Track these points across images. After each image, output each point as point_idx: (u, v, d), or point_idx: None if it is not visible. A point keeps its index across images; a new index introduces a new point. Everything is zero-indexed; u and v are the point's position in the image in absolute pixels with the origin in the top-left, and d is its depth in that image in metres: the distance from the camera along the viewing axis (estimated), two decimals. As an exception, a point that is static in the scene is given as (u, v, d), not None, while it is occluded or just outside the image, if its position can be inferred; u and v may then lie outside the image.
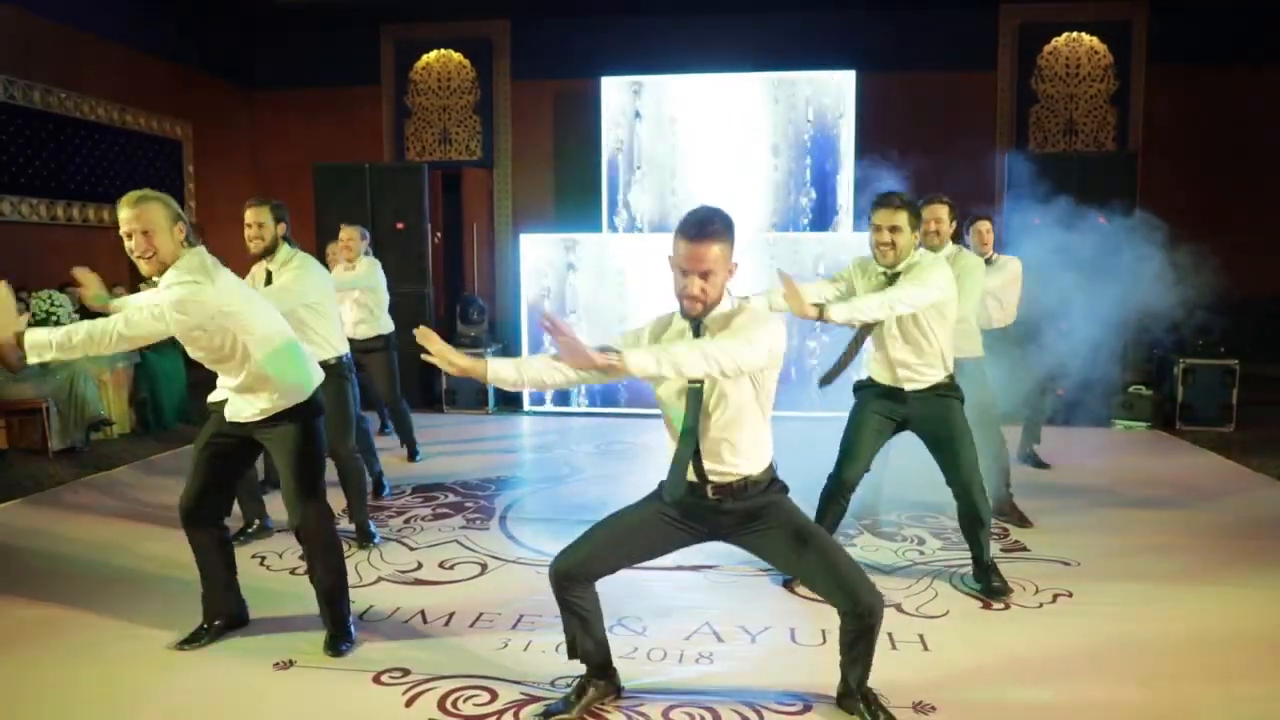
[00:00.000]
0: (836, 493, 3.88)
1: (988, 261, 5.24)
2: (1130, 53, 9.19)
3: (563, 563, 2.77)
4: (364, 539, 4.57)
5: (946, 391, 3.80)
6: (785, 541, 2.71)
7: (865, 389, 3.93)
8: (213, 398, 3.54)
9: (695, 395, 2.62)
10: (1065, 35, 9.30)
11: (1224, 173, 7.81)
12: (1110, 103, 9.27)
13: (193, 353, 3.24)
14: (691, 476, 2.68)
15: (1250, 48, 8.87)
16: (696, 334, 2.61)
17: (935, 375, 3.77)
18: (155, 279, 3.11)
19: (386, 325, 6.15)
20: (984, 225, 5.51)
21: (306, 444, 3.32)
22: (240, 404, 3.29)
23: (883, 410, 3.84)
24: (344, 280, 5.80)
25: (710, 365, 2.42)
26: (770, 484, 2.73)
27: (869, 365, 3.95)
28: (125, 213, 3.04)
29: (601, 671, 2.93)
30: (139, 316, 3.01)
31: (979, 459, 3.85)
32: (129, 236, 3.05)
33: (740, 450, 2.66)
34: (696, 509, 2.72)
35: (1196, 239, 7.94)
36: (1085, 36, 9.27)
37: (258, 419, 3.29)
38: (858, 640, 2.71)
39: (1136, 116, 9.19)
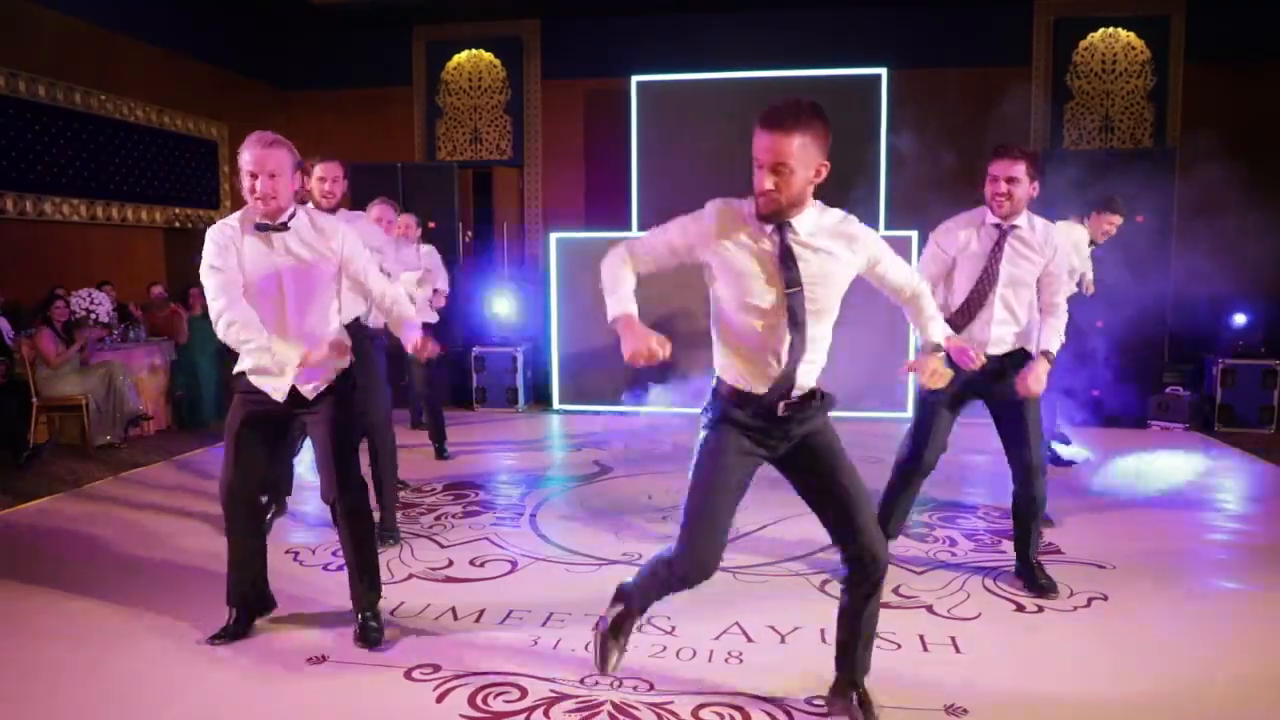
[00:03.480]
0: (914, 475, 3.86)
1: None
2: (1168, 48, 9.04)
3: (715, 562, 2.60)
4: (387, 535, 4.49)
5: (1024, 360, 3.71)
6: (825, 462, 2.58)
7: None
8: (255, 378, 3.25)
9: (798, 300, 2.45)
10: (1101, 31, 9.16)
11: (1265, 170, 7.66)
12: (1148, 99, 9.13)
13: (306, 316, 3.19)
14: (767, 389, 2.51)
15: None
16: (783, 238, 2.43)
17: (1018, 341, 3.72)
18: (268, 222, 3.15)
19: (432, 315, 6.23)
20: None
21: (348, 413, 3.34)
22: (304, 379, 3.21)
23: (959, 381, 3.58)
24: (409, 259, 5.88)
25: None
26: (824, 397, 2.59)
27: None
28: (262, 150, 3.09)
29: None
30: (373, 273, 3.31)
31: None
32: (254, 177, 3.08)
33: (816, 363, 2.54)
34: (764, 430, 2.56)
35: (1236, 237, 7.83)
36: (1122, 32, 9.14)
37: (318, 390, 3.25)
38: (865, 607, 2.64)
39: (1175, 113, 9.04)
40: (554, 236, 8.44)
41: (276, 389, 3.22)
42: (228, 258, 3.14)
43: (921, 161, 7.75)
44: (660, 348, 2.40)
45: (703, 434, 2.63)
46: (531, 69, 9.99)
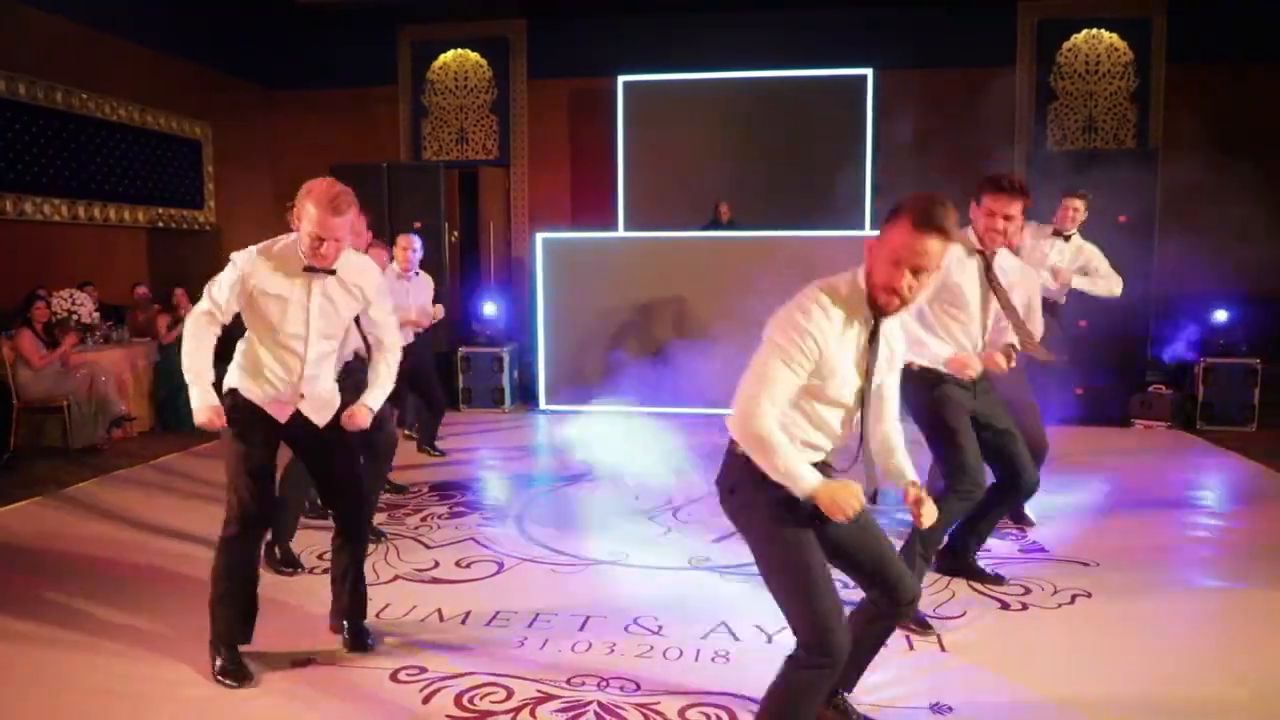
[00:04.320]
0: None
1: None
2: (1150, 50, 9.11)
3: (839, 633, 2.31)
4: (373, 536, 4.50)
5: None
6: (864, 521, 2.40)
7: (943, 384, 3.57)
8: (257, 394, 3.19)
9: (865, 395, 2.37)
10: (1085, 32, 9.23)
11: (1246, 171, 7.73)
12: (1130, 100, 9.19)
13: (328, 342, 3.20)
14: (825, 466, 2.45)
15: (1273, 46, 8.77)
16: (874, 331, 2.32)
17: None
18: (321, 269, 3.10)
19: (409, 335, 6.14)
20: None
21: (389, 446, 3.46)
22: (315, 413, 3.22)
23: (964, 400, 3.59)
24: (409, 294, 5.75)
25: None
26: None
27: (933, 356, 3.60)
28: (337, 220, 2.98)
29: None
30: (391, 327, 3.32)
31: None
32: (320, 241, 2.99)
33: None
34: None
35: (1218, 237, 7.89)
36: (1105, 33, 9.20)
37: (325, 421, 3.26)
38: (874, 630, 2.60)
39: (1157, 114, 9.12)
40: (540, 236, 8.43)
41: (281, 411, 3.18)
42: (231, 287, 3.10)
43: (908, 161, 7.78)
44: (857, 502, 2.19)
45: (754, 507, 2.39)
46: (518, 69, 9.98)
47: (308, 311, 3.11)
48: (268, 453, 3.21)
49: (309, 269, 3.07)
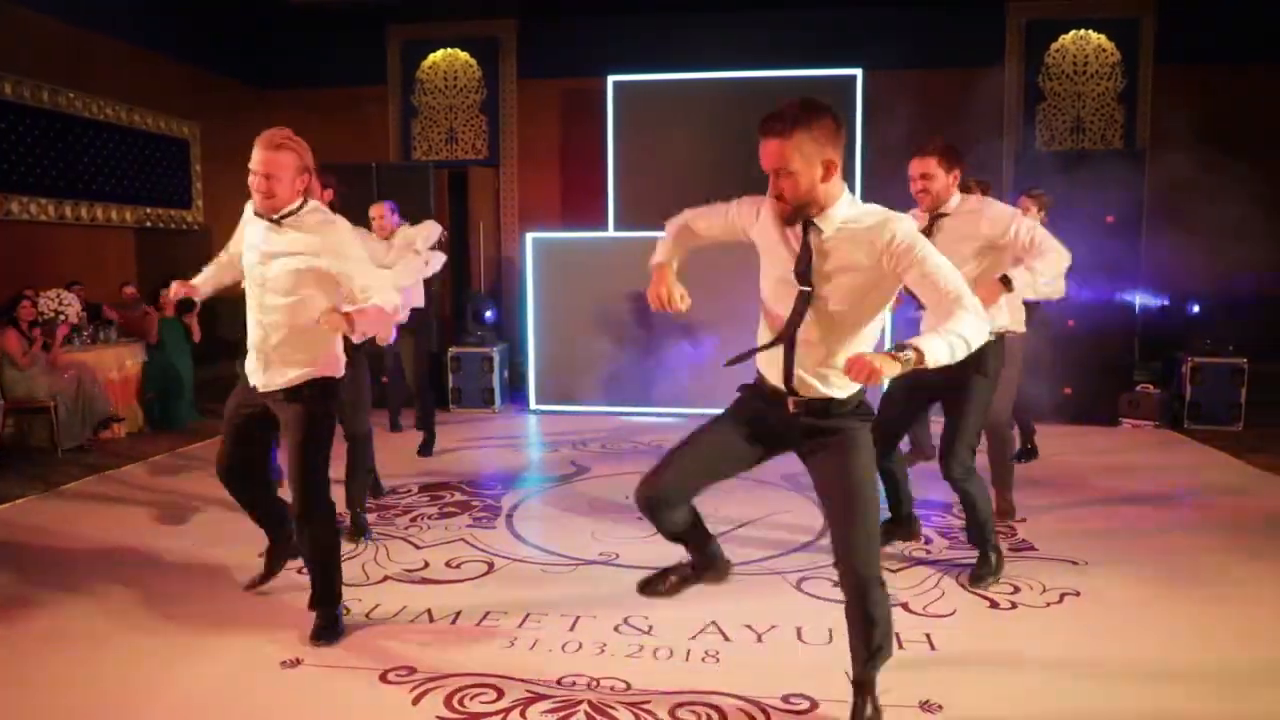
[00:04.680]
0: None
1: None
2: (1138, 51, 9.15)
3: (648, 489, 2.66)
4: (358, 531, 4.56)
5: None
6: (832, 471, 2.55)
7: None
8: (244, 365, 3.47)
9: (804, 299, 2.46)
10: (1073, 33, 9.26)
11: (1233, 171, 7.77)
12: (1118, 100, 9.23)
13: (277, 298, 3.25)
14: (778, 383, 2.56)
15: (1260, 47, 8.82)
16: (805, 236, 2.44)
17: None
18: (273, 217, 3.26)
19: (419, 299, 6.07)
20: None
21: (325, 419, 3.37)
22: (273, 372, 3.30)
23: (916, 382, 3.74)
24: (404, 240, 5.79)
25: (983, 318, 2.33)
26: (856, 408, 2.56)
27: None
28: (271, 154, 3.17)
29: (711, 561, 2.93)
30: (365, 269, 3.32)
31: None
32: (254, 174, 3.19)
33: (837, 367, 2.44)
34: (774, 422, 2.60)
35: (1206, 237, 7.93)
36: (1093, 34, 9.24)
37: (286, 386, 3.29)
38: (850, 614, 2.63)
39: (1144, 114, 9.15)
40: (530, 237, 8.42)
41: (251, 373, 3.38)
42: (239, 232, 3.46)
43: (896, 162, 7.79)
44: (680, 301, 2.60)
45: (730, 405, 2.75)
46: (507, 69, 9.96)
47: (262, 255, 3.26)
48: (243, 418, 3.43)
49: (258, 214, 3.27)
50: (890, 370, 2.19)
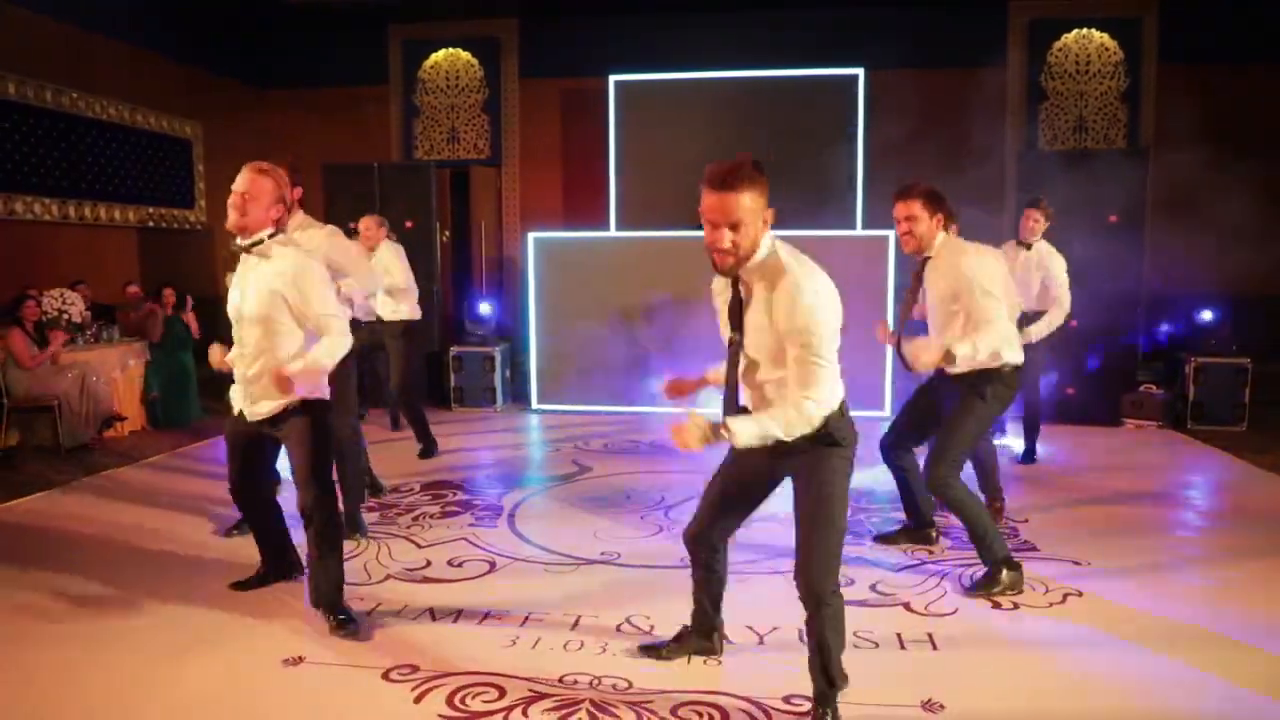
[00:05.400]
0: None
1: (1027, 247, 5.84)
2: (1141, 50, 9.14)
3: (693, 529, 3.03)
4: (353, 529, 4.56)
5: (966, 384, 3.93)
6: (800, 488, 2.70)
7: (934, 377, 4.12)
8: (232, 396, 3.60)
9: (733, 349, 2.66)
10: (1075, 32, 9.25)
11: (1237, 170, 7.76)
12: (1121, 99, 9.22)
13: (252, 328, 3.36)
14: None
15: (1263, 47, 8.81)
16: (735, 290, 2.60)
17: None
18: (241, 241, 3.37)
19: (410, 312, 6.22)
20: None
21: (321, 427, 3.47)
22: (258, 402, 3.43)
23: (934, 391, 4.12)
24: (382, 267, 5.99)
25: (810, 412, 2.50)
26: (819, 438, 2.59)
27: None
28: (249, 174, 3.32)
29: (708, 634, 3.22)
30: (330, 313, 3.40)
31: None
32: (233, 194, 3.31)
33: (767, 406, 2.62)
34: (756, 455, 2.69)
35: (1209, 237, 7.92)
36: (1095, 33, 9.23)
37: (270, 415, 3.42)
38: (807, 628, 2.71)
39: (1148, 113, 9.14)
40: (532, 236, 8.42)
41: (237, 403, 3.52)
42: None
43: (899, 160, 7.79)
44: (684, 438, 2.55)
45: None
46: (509, 68, 9.97)
47: (241, 290, 3.37)
48: (247, 438, 3.54)
49: (235, 245, 3.36)
50: (694, 443, 2.49)
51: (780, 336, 2.51)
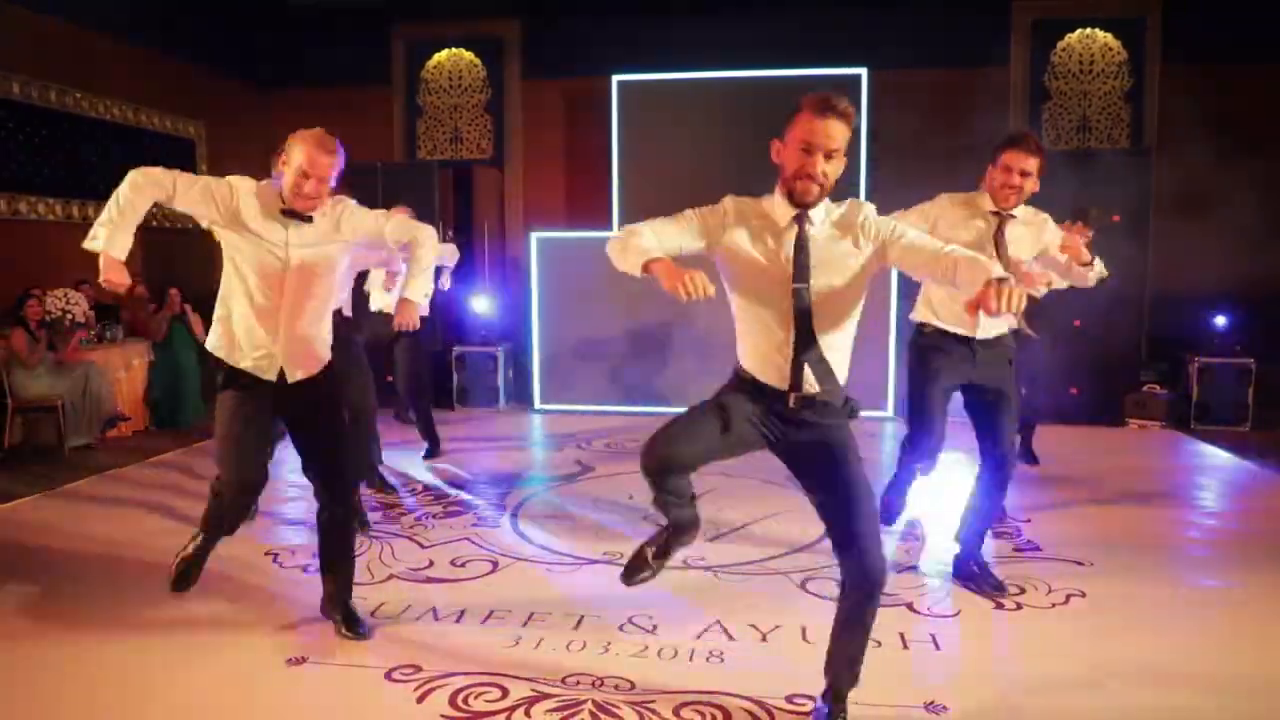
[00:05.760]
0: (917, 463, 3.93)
1: None
2: (1144, 49, 9.12)
3: (655, 457, 2.60)
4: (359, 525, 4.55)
5: (1009, 344, 3.69)
6: (829, 466, 2.56)
7: (933, 335, 3.70)
8: (237, 361, 3.24)
9: (800, 296, 2.47)
10: (1079, 32, 9.23)
11: (1240, 171, 7.75)
12: (1125, 99, 9.21)
13: (306, 289, 3.20)
14: (780, 381, 2.54)
15: (1267, 46, 8.79)
16: (800, 229, 2.46)
17: (1007, 321, 3.59)
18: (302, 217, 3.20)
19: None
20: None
21: (342, 406, 3.42)
22: (293, 365, 3.23)
23: (950, 365, 3.65)
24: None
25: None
26: (845, 403, 2.58)
27: (936, 306, 3.68)
28: (325, 158, 3.11)
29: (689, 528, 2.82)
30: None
31: None
32: (306, 177, 3.10)
33: (832, 363, 2.53)
34: (773, 416, 2.58)
35: (1213, 237, 7.91)
36: (1099, 33, 9.21)
37: (308, 376, 3.27)
38: (853, 615, 2.61)
39: (1151, 113, 9.12)
40: (535, 236, 8.42)
41: (267, 369, 3.21)
42: (208, 208, 3.18)
43: (902, 160, 7.78)
44: (709, 285, 2.33)
45: (721, 391, 2.69)
46: (512, 68, 9.96)
47: (285, 257, 3.17)
48: (257, 423, 3.25)
49: (287, 212, 3.14)
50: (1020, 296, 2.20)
51: (862, 262, 2.49)
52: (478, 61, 10.04)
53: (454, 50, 10.06)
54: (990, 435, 3.69)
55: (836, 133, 2.41)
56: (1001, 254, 3.57)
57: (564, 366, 8.31)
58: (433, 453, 6.46)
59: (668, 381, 7.85)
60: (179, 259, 8.96)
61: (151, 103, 8.88)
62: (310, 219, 3.18)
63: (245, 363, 3.22)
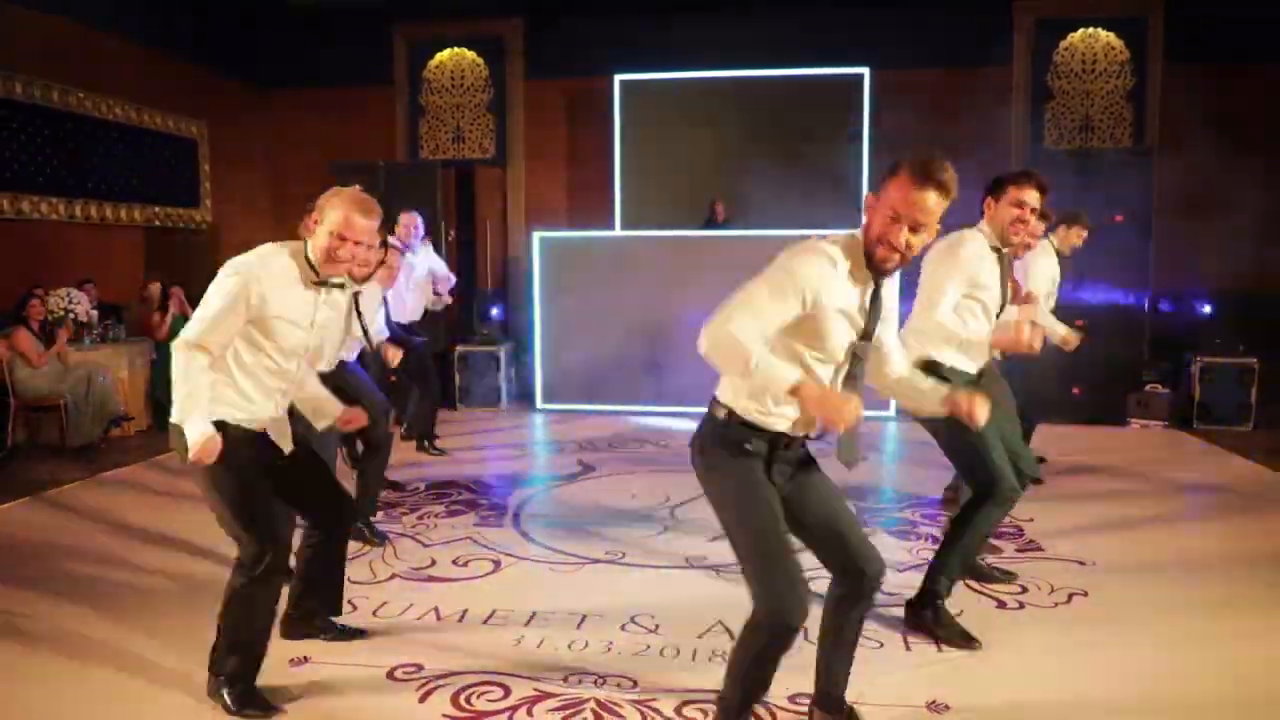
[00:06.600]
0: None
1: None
2: (1146, 49, 9.12)
3: (788, 604, 2.34)
4: (370, 534, 4.54)
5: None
6: (822, 488, 2.49)
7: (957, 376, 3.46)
8: (254, 423, 2.91)
9: (862, 351, 2.38)
10: (1081, 31, 9.24)
11: (1242, 170, 7.75)
12: (1127, 99, 9.20)
13: (304, 362, 2.99)
14: (805, 430, 2.43)
15: (1269, 46, 8.78)
16: (876, 290, 2.34)
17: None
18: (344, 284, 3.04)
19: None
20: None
21: (316, 441, 3.32)
22: (287, 433, 3.02)
23: None
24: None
25: None
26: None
27: (952, 350, 3.47)
28: (364, 222, 2.85)
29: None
30: None
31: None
32: (355, 244, 2.86)
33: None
34: (780, 460, 2.44)
35: (1215, 236, 7.91)
36: (1101, 32, 9.21)
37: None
38: (847, 626, 2.60)
39: (1153, 113, 9.12)
40: (537, 235, 8.43)
41: (277, 439, 2.97)
42: (241, 307, 2.76)
43: (904, 160, 7.77)
44: (858, 407, 2.19)
45: (721, 469, 2.43)
46: (514, 68, 9.97)
47: (310, 328, 2.89)
48: (268, 483, 2.94)
49: (319, 283, 2.87)
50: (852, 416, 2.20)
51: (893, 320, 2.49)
52: (480, 61, 10.05)
53: (456, 50, 10.07)
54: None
55: (932, 205, 2.24)
56: (1014, 285, 3.54)
57: (566, 366, 8.31)
58: (427, 444, 6.50)
59: (670, 381, 7.85)
60: (180, 259, 8.98)
61: (154, 102, 8.89)
62: (342, 285, 3.00)
63: (240, 418, 2.87)
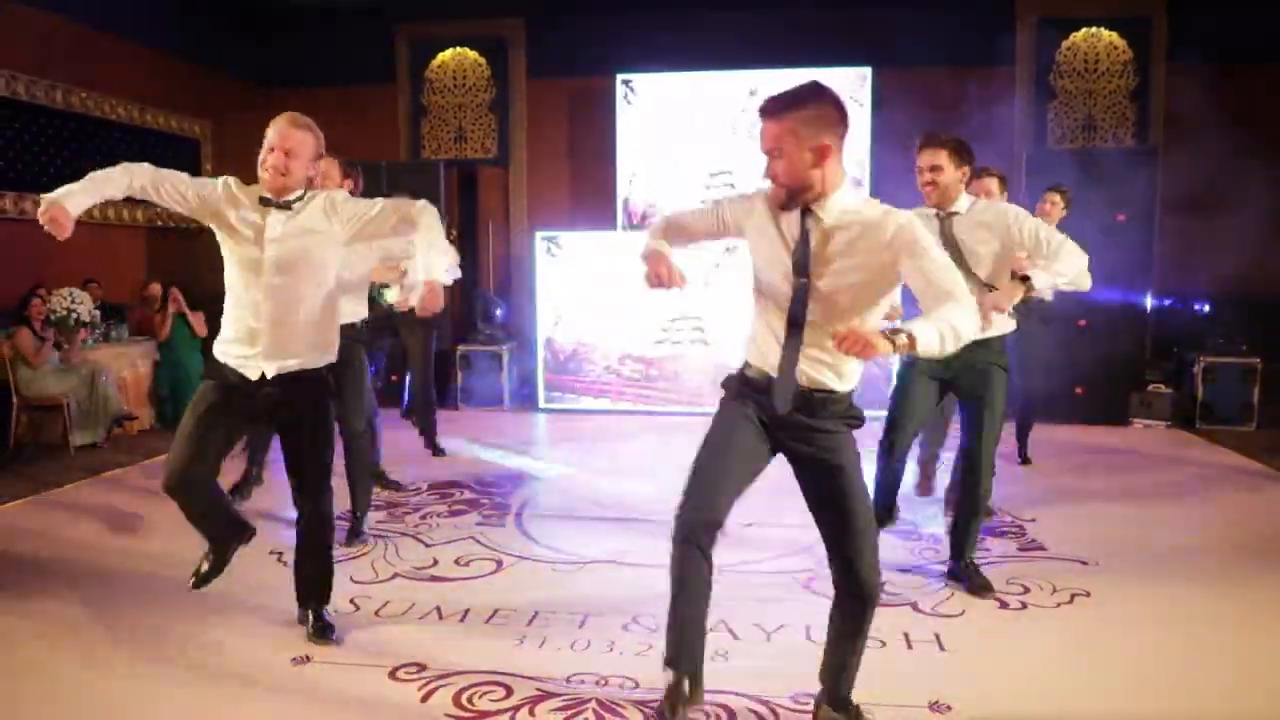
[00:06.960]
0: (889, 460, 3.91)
1: None
2: (1150, 48, 9.11)
3: (695, 515, 2.49)
4: (353, 535, 4.49)
5: (994, 352, 3.72)
6: (828, 479, 2.51)
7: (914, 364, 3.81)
8: (225, 356, 3.19)
9: (803, 289, 2.41)
10: (1084, 30, 9.21)
11: (1245, 169, 7.73)
12: (1130, 98, 9.19)
13: (287, 280, 3.08)
14: (767, 375, 2.50)
15: (1273, 45, 8.76)
16: (803, 224, 2.41)
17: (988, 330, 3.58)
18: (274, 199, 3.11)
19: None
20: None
21: (329, 409, 3.31)
22: (276, 360, 3.11)
23: (929, 370, 3.74)
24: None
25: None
26: (847, 409, 2.52)
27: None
28: (295, 131, 3.08)
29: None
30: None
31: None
32: (272, 150, 3.06)
33: (829, 364, 2.46)
34: (769, 413, 2.50)
35: (1218, 235, 7.89)
36: (1104, 32, 9.19)
37: (292, 372, 3.14)
38: (846, 625, 2.60)
39: (1157, 112, 9.10)
40: (539, 235, 8.42)
41: (250, 366, 3.12)
42: (206, 190, 3.13)
43: (907, 161, 7.77)
44: (680, 279, 2.53)
45: (719, 409, 2.65)
46: (516, 67, 9.96)
47: (260, 247, 3.08)
48: (231, 417, 3.17)
49: (264, 200, 3.08)
50: (883, 348, 2.15)
51: (880, 268, 2.38)
52: (482, 60, 10.04)
53: (458, 49, 10.06)
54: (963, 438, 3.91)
55: (767, 133, 2.43)
56: (954, 251, 3.59)
57: (568, 366, 8.31)
58: (435, 449, 6.47)
59: (673, 381, 7.85)
60: (181, 259, 8.98)
61: (156, 102, 8.90)
62: (289, 206, 3.09)
63: (229, 358, 3.15)
